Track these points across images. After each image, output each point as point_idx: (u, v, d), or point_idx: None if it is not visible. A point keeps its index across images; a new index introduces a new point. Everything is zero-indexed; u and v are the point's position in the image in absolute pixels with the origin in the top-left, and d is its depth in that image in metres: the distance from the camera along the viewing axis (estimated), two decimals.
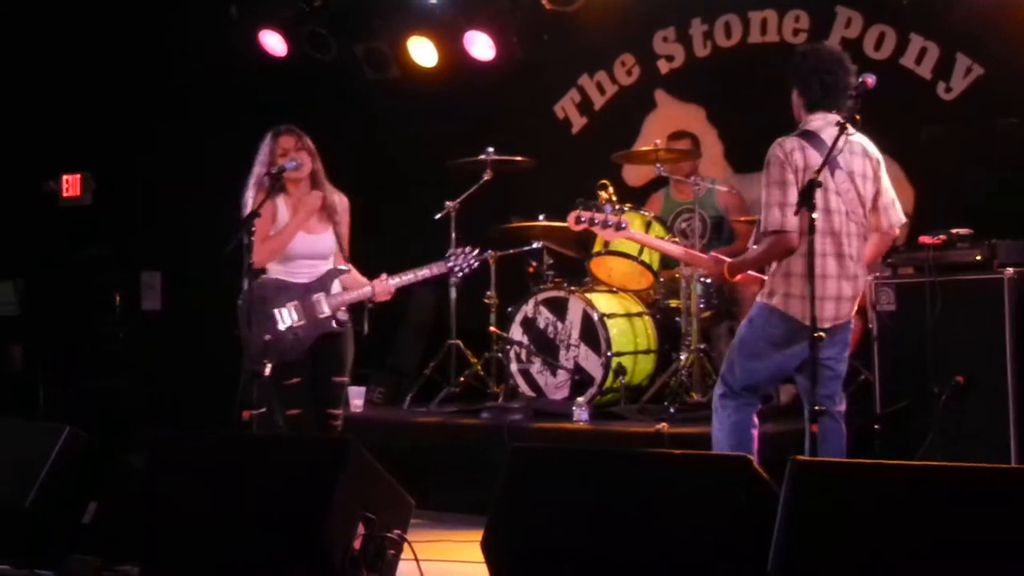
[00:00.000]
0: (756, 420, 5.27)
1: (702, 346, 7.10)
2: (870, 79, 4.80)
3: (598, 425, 6.93)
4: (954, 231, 6.24)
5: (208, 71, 9.44)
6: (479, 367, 7.83)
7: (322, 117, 7.45)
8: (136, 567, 4.93)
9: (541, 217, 7.65)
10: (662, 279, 7.47)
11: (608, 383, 7.13)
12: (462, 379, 7.84)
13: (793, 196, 4.91)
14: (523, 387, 7.43)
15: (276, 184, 5.77)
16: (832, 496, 3.67)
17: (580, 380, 7.22)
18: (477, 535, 4.34)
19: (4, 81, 9.63)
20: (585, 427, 6.91)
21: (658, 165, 7.39)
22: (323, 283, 5.87)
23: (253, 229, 5.48)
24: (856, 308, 5.19)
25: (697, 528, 3.91)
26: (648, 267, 7.30)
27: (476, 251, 6.15)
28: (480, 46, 8.75)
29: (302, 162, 5.85)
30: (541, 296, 7.44)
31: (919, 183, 7.53)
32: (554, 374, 7.33)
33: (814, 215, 4.69)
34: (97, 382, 9.58)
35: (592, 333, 7.17)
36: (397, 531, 4.67)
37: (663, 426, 6.40)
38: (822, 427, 5.05)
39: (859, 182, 5.08)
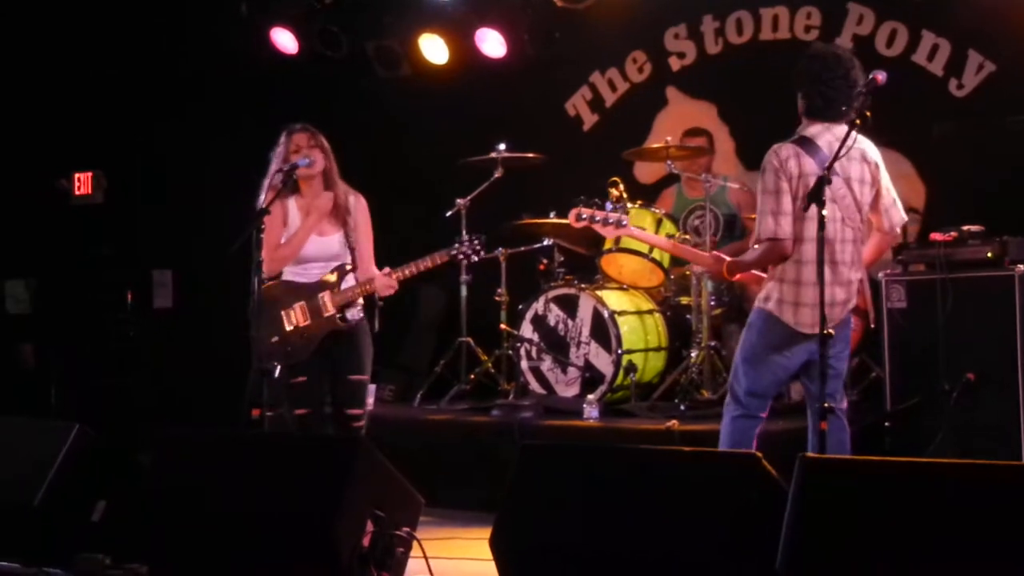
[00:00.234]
0: (757, 431, 5.24)
1: (713, 343, 7.09)
2: (880, 75, 4.78)
3: (608, 422, 6.92)
4: (965, 228, 6.24)
5: (219, 69, 9.44)
6: (489, 364, 7.83)
7: (333, 115, 7.47)
8: (145, 565, 4.92)
9: (552, 214, 7.64)
10: (673, 276, 7.47)
11: (619, 380, 7.13)
12: (472, 376, 7.84)
13: (787, 204, 4.95)
14: (533, 384, 7.42)
15: (288, 181, 5.75)
16: (841, 493, 3.65)
17: (591, 377, 7.22)
18: (487, 533, 4.32)
19: (16, 80, 9.64)
20: (595, 424, 6.90)
21: (669, 162, 7.38)
22: (330, 282, 5.86)
23: (262, 226, 5.44)
24: (852, 307, 5.17)
25: (707, 525, 3.91)
26: (659, 264, 7.29)
27: (482, 239, 6.02)
28: (491, 43, 8.75)
29: (314, 159, 5.83)
30: (552, 293, 7.43)
31: (930, 180, 7.53)
32: (564, 371, 7.33)
33: (824, 212, 4.67)
34: (108, 380, 9.58)
35: (603, 330, 7.16)
36: (406, 529, 4.65)
37: (673, 423, 6.41)
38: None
39: (856, 187, 5.07)
